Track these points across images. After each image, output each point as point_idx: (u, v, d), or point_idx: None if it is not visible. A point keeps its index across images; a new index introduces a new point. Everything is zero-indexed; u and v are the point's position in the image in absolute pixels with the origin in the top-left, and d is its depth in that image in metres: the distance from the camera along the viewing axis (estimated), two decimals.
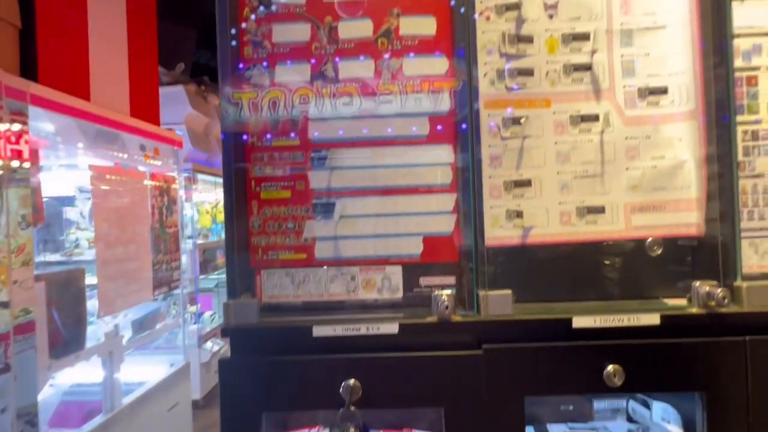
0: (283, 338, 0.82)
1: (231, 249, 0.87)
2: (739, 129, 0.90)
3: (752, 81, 0.91)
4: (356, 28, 0.89)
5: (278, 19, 0.90)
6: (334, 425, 0.77)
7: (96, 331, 1.94)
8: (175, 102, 3.59)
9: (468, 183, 0.87)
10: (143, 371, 2.27)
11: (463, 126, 0.88)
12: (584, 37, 0.90)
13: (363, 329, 0.80)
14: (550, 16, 0.90)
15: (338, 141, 0.90)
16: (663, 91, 0.89)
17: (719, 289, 0.77)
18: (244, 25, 0.90)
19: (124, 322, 2.15)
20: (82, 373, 2.00)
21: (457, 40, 0.89)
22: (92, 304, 1.85)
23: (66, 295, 1.71)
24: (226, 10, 0.89)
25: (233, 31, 0.89)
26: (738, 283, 0.81)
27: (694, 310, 0.81)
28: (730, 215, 0.83)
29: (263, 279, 0.90)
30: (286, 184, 0.90)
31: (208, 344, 3.73)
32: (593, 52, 0.90)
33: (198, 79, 4.15)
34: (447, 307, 0.79)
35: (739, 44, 0.91)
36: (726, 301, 0.77)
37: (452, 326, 0.80)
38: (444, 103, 0.90)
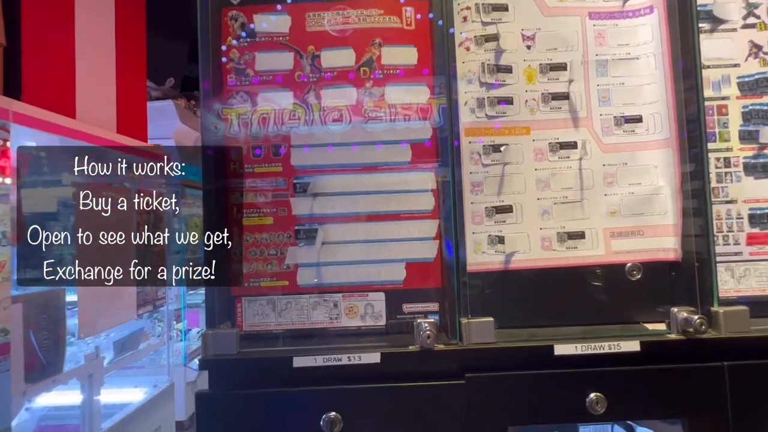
0: (263, 370, 0.80)
1: None
2: (712, 156, 0.93)
3: (722, 110, 0.94)
4: (339, 58, 0.91)
5: (261, 48, 0.91)
6: None
7: (76, 353, 1.88)
8: (165, 117, 3.57)
9: (450, 209, 0.87)
10: (125, 393, 2.20)
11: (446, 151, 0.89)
12: (561, 67, 0.92)
13: (344, 359, 0.79)
14: (528, 47, 0.93)
15: (320, 167, 0.90)
16: (638, 119, 0.91)
17: (696, 316, 0.78)
18: (225, 51, 0.90)
19: (106, 342, 2.10)
20: (60, 397, 1.92)
21: (438, 68, 0.90)
22: (73, 322, 1.80)
23: (45, 316, 1.66)
24: (208, 34, 0.90)
25: (217, 58, 0.90)
26: (715, 308, 0.82)
27: (673, 336, 0.81)
28: (706, 242, 0.84)
29: (244, 307, 0.89)
30: (269, 210, 0.90)
31: (195, 362, 3.65)
32: (570, 81, 0.92)
33: (188, 94, 4.15)
34: (429, 336, 0.78)
35: (709, 75, 0.94)
36: (703, 327, 0.78)
37: (435, 355, 0.80)
38: (425, 131, 0.91)
